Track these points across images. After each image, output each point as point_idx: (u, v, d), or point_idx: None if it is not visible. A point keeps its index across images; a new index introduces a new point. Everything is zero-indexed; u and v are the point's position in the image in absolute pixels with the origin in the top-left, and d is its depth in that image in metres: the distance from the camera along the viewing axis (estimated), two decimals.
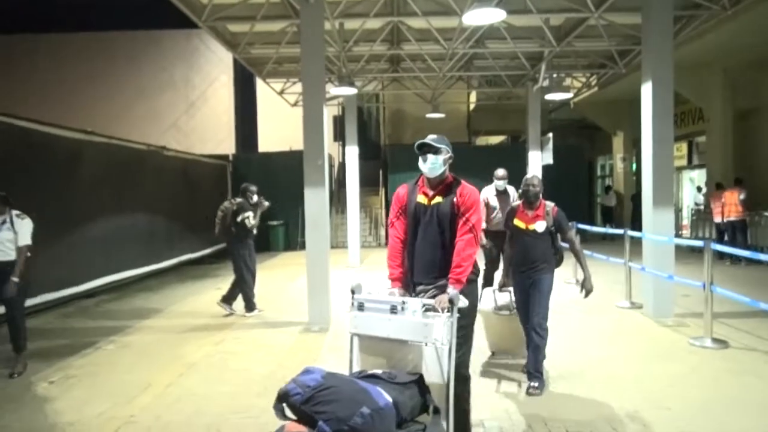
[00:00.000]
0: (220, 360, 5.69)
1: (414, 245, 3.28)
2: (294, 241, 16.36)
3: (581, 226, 9.76)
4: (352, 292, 3.04)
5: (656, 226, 7.04)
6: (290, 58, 11.73)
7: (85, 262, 8.57)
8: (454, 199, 3.18)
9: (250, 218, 7.72)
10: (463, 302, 2.92)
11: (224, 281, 10.89)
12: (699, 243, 6.51)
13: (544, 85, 12.30)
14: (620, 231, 8.67)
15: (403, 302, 2.90)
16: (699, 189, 15.23)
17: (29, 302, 7.26)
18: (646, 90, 7.16)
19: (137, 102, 20.78)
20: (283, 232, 16.50)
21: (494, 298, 5.18)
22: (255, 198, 7.99)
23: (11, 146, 7.10)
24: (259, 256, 15.08)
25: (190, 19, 8.80)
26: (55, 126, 8.18)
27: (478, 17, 6.99)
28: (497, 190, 7.24)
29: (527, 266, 4.57)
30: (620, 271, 8.10)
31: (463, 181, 3.31)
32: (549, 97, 11.79)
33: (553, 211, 4.59)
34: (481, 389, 4.43)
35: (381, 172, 18.31)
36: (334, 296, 7.24)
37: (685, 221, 15.83)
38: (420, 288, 3.22)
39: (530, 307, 4.54)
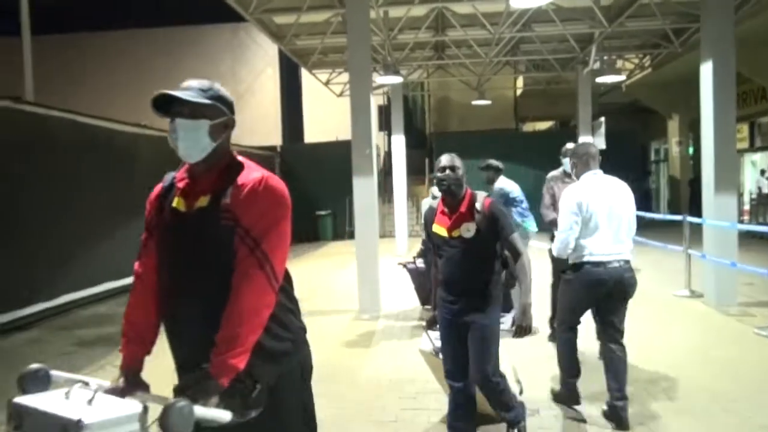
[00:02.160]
0: None
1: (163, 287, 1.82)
2: (342, 230, 16.52)
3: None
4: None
5: (718, 212, 6.75)
6: (335, 48, 11.78)
7: None
8: (226, 200, 1.65)
9: None
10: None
11: None
12: (764, 229, 6.21)
13: (595, 68, 11.96)
14: (678, 217, 8.37)
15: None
16: (762, 172, 14.52)
17: (91, 291, 7.65)
18: (706, 69, 6.85)
19: None
20: (331, 221, 16.68)
21: (429, 338, 3.68)
22: None
23: (76, 141, 7.43)
24: (308, 245, 15.47)
25: (236, 13, 8.94)
26: (113, 121, 8.50)
27: (527, 0, 6.84)
28: (565, 174, 5.21)
29: (455, 295, 3.12)
30: (678, 258, 7.83)
31: (249, 164, 1.80)
32: (600, 80, 11.47)
33: (485, 205, 3.05)
34: None
35: (427, 160, 18.23)
36: (383, 284, 7.28)
37: (746, 206, 15.13)
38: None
39: (469, 359, 3.09)
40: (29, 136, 6.75)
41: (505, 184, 6.05)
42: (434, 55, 13.15)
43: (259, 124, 21.33)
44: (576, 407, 3.82)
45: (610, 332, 3.60)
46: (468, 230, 3.02)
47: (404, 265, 7.04)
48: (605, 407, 3.57)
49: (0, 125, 6.31)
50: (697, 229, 7.37)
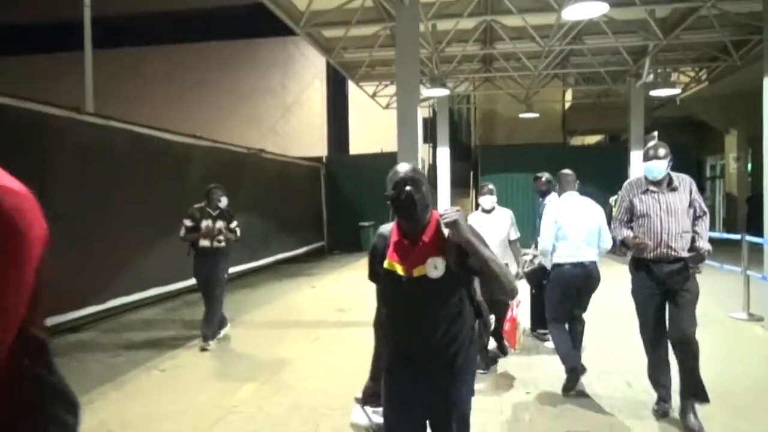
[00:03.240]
0: (316, 357, 5.84)
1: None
2: None
3: None
4: None
5: None
6: (383, 61, 11.88)
7: (190, 260, 9.11)
8: None
9: (210, 227, 6.03)
10: None
11: (319, 280, 11.23)
12: None
13: (648, 81, 11.64)
14: (736, 236, 8.00)
15: None
16: None
17: (140, 295, 7.87)
18: None
19: (237, 107, 21.86)
20: (374, 232, 16.58)
21: (367, 415, 3.38)
22: (223, 202, 6.30)
23: (132, 150, 7.71)
24: (351, 255, 15.52)
25: (286, 27, 9.14)
26: (169, 132, 8.78)
27: (579, 12, 6.73)
28: (647, 181, 4.52)
29: (422, 358, 2.27)
30: (736, 280, 7.48)
31: None
32: (654, 93, 11.17)
33: (452, 230, 2.15)
34: None
35: (471, 173, 18.10)
36: None
37: None
38: None
39: None
40: (88, 145, 7.04)
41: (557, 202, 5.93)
42: (482, 68, 13.09)
43: (305, 135, 21.66)
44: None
45: (578, 313, 4.71)
46: (435, 267, 2.13)
47: None
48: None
49: (61, 135, 6.60)
50: (756, 249, 7.02)
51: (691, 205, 3.74)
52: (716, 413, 3.96)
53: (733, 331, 6.53)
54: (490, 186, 5.51)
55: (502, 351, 5.41)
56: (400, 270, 2.21)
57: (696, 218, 3.76)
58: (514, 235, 5.42)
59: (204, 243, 6.07)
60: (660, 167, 3.68)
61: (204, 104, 21.65)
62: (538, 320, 5.86)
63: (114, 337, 6.78)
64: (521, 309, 4.93)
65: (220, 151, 10.41)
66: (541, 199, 5.97)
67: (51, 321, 6.39)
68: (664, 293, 3.75)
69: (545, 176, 6.02)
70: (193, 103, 21.57)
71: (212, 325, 6.18)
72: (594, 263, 4.51)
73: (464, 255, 2.14)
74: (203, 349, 6.00)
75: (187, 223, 6.03)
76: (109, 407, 4.44)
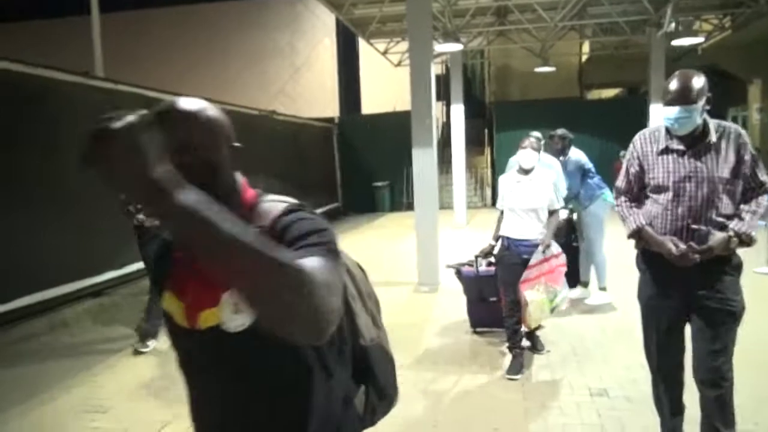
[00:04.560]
0: None
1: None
2: (399, 201, 16.46)
3: None
4: None
5: None
6: (394, 16, 11.55)
7: None
8: None
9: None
10: None
11: None
12: None
13: (669, 30, 11.21)
14: None
15: None
16: None
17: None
18: None
19: (246, 69, 21.57)
20: (389, 192, 16.64)
21: None
22: None
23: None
24: (366, 216, 15.51)
25: None
26: (176, 94, 8.66)
27: None
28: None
29: None
30: (759, 234, 7.31)
31: None
32: (676, 42, 10.76)
33: (275, 221, 1.13)
34: None
35: (486, 131, 17.81)
36: (442, 256, 7.18)
37: None
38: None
39: None
40: (98, 110, 6.96)
41: (579, 155, 5.77)
42: (496, 21, 12.69)
43: (316, 95, 21.39)
44: None
45: None
46: (235, 311, 1.10)
47: (457, 270, 5.04)
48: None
49: (72, 99, 6.53)
50: None
51: (737, 172, 2.40)
52: (738, 372, 3.90)
53: (755, 286, 6.42)
54: (533, 137, 4.33)
55: (534, 347, 4.53)
56: (180, 315, 1.18)
57: (745, 194, 2.45)
58: (557, 204, 4.23)
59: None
60: (687, 113, 2.36)
61: (212, 67, 21.39)
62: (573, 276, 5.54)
63: (134, 301, 6.86)
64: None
65: (230, 113, 10.26)
66: (560, 158, 5.79)
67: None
68: (686, 304, 2.53)
69: (558, 133, 5.82)
70: (201, 66, 21.32)
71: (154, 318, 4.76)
72: None
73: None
74: (138, 352, 4.80)
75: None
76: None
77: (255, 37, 21.80)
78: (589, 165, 5.77)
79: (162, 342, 4.82)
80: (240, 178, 1.25)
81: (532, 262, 4.03)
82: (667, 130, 2.50)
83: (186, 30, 21.83)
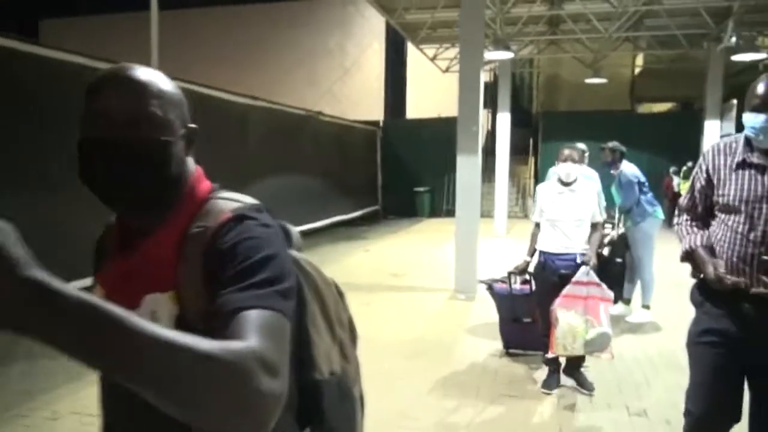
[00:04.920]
0: (369, 321, 5.87)
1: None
2: (439, 207, 16.42)
3: None
4: None
5: None
6: (445, 22, 11.53)
7: None
8: None
9: None
10: None
11: (372, 244, 11.30)
12: None
13: (729, 45, 10.84)
14: None
15: None
16: None
17: None
18: None
19: (295, 69, 21.89)
20: (429, 198, 16.61)
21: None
22: None
23: (197, 112, 7.84)
24: (405, 220, 15.53)
25: None
26: (227, 92, 8.88)
27: None
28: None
29: None
30: None
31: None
32: (736, 58, 10.39)
33: (221, 224, 0.92)
34: None
35: (531, 140, 17.58)
36: (480, 265, 7.13)
37: None
38: None
39: None
40: None
41: (632, 168, 5.67)
42: (548, 30, 12.53)
43: (363, 98, 21.53)
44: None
45: None
46: (156, 317, 0.90)
47: (489, 286, 4.71)
48: None
49: None
50: None
51: None
52: None
53: None
54: (575, 148, 4.17)
55: (582, 386, 3.97)
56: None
57: None
58: (599, 216, 4.02)
59: None
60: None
61: (263, 66, 21.81)
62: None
63: None
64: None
65: (278, 112, 10.47)
66: (612, 170, 5.70)
67: None
68: (747, 352, 2.09)
69: (609, 145, 5.72)
70: (252, 65, 21.75)
71: None
72: None
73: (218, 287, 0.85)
74: None
75: None
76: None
77: (305, 36, 22.11)
78: (643, 179, 5.66)
79: None
80: (193, 165, 1.06)
81: (576, 279, 3.68)
82: (747, 142, 2.11)
83: (236, 28, 22.33)
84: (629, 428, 3.45)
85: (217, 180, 1.10)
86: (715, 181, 2.16)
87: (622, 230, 5.66)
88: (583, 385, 3.93)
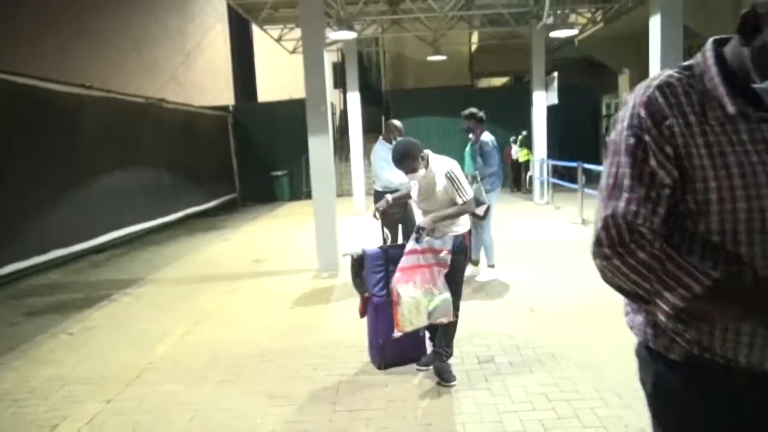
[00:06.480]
0: (234, 308, 5.80)
1: None
2: (299, 190, 16.39)
3: (588, 166, 9.71)
4: None
5: None
6: (287, 2, 11.42)
7: (92, 218, 8.62)
8: None
9: None
10: None
11: (232, 233, 11.03)
12: None
13: (548, 23, 11.97)
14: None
15: None
16: None
17: (40, 259, 7.40)
18: (654, 24, 6.98)
19: (131, 55, 20.34)
20: (288, 181, 16.51)
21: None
22: None
23: (12, 103, 7.03)
24: (265, 206, 15.30)
25: None
26: (55, 81, 8.07)
27: None
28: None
29: None
30: None
31: None
32: (553, 34, 11.50)
33: None
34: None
35: (383, 118, 18.09)
36: (341, 243, 7.31)
37: None
38: None
39: None
40: None
41: (491, 137, 6.15)
42: (388, 10, 12.90)
43: (210, 83, 20.63)
44: None
45: None
46: None
47: (359, 255, 4.03)
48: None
49: None
50: None
51: None
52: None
53: None
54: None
55: (440, 375, 3.72)
56: None
57: None
58: (460, 197, 3.57)
59: None
60: None
61: (92, 52, 19.94)
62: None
63: (14, 304, 6.39)
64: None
65: (116, 101, 9.73)
66: (470, 135, 6.19)
67: None
68: None
69: (466, 113, 6.22)
70: (80, 52, 19.81)
71: None
72: None
73: None
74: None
75: None
76: (12, 375, 4.22)
77: (138, 20, 20.59)
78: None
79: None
80: None
81: (409, 248, 3.60)
82: (732, 82, 1.13)
83: (69, 14, 20.11)
84: (480, 374, 3.80)
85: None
86: (688, 165, 1.12)
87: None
88: (442, 376, 3.69)
